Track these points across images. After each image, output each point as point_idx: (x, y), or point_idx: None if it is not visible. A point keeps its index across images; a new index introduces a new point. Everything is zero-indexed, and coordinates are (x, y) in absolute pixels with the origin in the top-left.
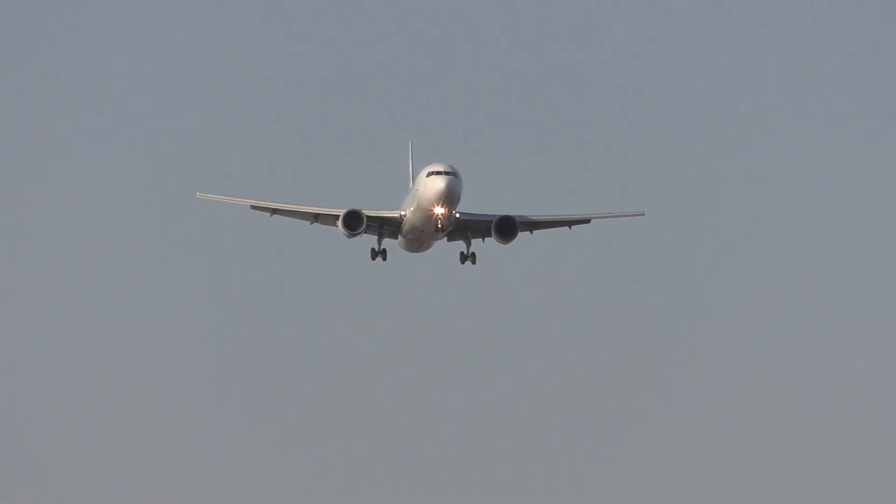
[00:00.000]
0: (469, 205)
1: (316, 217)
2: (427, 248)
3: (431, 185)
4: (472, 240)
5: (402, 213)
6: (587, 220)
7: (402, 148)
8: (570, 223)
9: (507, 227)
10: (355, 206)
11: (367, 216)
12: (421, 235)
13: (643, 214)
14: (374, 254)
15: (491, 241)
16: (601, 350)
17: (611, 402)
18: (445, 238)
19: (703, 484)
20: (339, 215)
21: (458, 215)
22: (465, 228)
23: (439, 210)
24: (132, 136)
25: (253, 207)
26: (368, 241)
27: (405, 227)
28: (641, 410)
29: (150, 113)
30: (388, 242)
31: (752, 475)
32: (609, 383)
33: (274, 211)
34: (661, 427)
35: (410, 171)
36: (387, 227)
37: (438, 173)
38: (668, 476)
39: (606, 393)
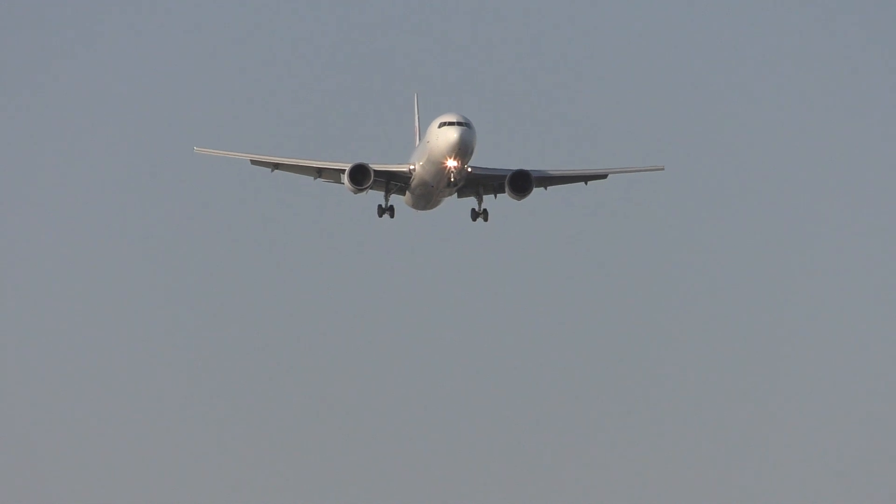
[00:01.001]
0: (480, 159)
1: (319, 172)
2: (435, 205)
3: (444, 137)
4: (484, 196)
5: (411, 166)
6: (604, 176)
7: (408, 101)
8: (586, 178)
9: (521, 182)
10: (361, 160)
11: (375, 170)
12: (430, 191)
13: (662, 169)
14: (381, 210)
15: (503, 198)
16: (618, 313)
17: (628, 370)
18: (456, 194)
19: (717, 461)
20: (344, 169)
21: (469, 169)
22: (476, 184)
23: (452, 163)
24: (129, 87)
25: (253, 162)
26: (374, 197)
27: (414, 182)
28: (659, 378)
29: (147, 65)
30: (394, 200)
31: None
32: (626, 348)
33: (275, 166)
34: (677, 396)
35: (416, 124)
36: (394, 182)
37: (451, 124)
38: (685, 455)
39: (624, 359)
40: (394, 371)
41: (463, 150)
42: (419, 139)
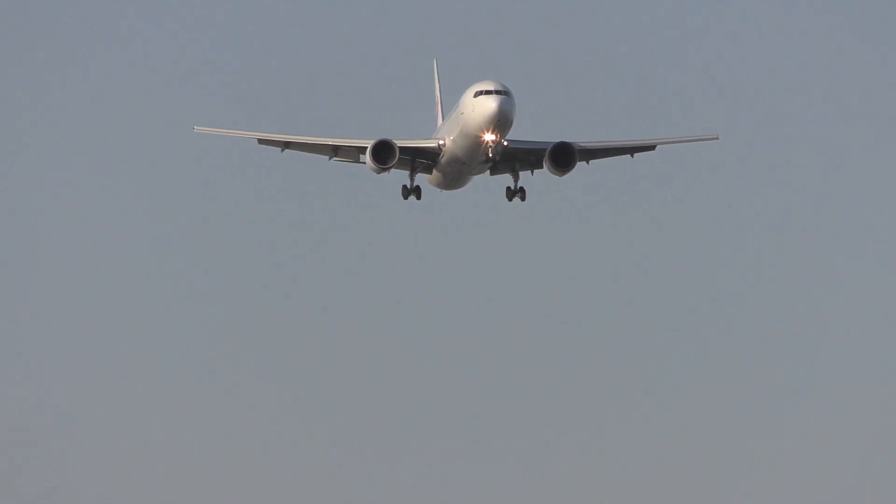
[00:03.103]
0: (513, 132)
1: (336, 150)
2: (463, 184)
3: (480, 107)
4: (521, 172)
5: (441, 142)
6: (652, 147)
7: (427, 69)
8: (632, 150)
9: (564, 156)
10: (383, 136)
11: (400, 147)
12: (462, 169)
13: (717, 139)
14: (407, 191)
15: (540, 174)
16: (670, 302)
17: (683, 363)
18: (488, 171)
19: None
20: (365, 147)
21: (506, 143)
22: (512, 159)
23: (489, 136)
24: (131, 62)
25: (261, 142)
26: (397, 177)
27: (443, 160)
28: (714, 360)
29: (149, 37)
30: (419, 179)
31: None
32: (681, 332)
33: (286, 145)
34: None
35: (437, 94)
36: (420, 159)
37: (489, 92)
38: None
39: (678, 340)
40: (423, 368)
41: (502, 121)
42: (441, 111)
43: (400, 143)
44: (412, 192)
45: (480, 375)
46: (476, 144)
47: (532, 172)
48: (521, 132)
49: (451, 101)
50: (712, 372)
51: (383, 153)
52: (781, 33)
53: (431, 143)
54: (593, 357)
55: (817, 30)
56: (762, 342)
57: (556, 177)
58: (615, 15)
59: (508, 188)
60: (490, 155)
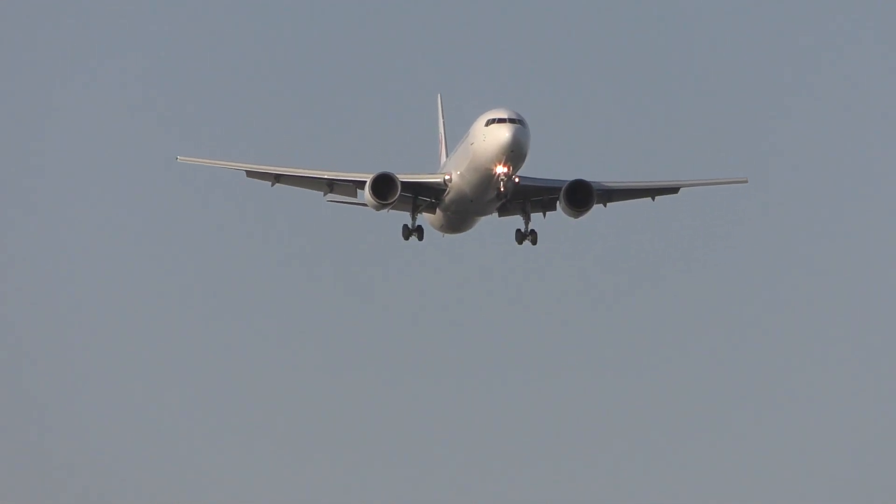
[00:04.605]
0: (523, 169)
1: (332, 186)
2: (468, 227)
3: (493, 137)
4: (532, 214)
5: (447, 176)
6: (676, 190)
7: (430, 103)
8: (654, 193)
9: (581, 195)
10: (384, 170)
11: (402, 182)
12: (468, 207)
13: (746, 182)
14: (408, 231)
15: (553, 217)
16: (695, 360)
17: (704, 411)
18: (496, 212)
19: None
20: (363, 181)
21: (517, 180)
22: (524, 198)
23: (501, 169)
24: (116, 82)
25: (249, 174)
26: (397, 217)
27: (449, 196)
28: (734, 420)
29: (135, 60)
30: (421, 220)
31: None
32: (703, 393)
33: (277, 178)
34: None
35: (441, 130)
36: (423, 197)
37: (502, 121)
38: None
39: (699, 400)
40: (429, 426)
41: (516, 152)
42: (445, 148)
43: (402, 177)
44: (414, 231)
45: (482, 434)
46: (487, 178)
47: (544, 214)
48: (533, 170)
49: (455, 137)
50: (730, 430)
51: (384, 188)
52: (816, 73)
53: (436, 178)
54: (606, 415)
55: (853, 70)
56: (787, 400)
57: (571, 218)
58: (637, 48)
59: (518, 231)
60: (502, 189)
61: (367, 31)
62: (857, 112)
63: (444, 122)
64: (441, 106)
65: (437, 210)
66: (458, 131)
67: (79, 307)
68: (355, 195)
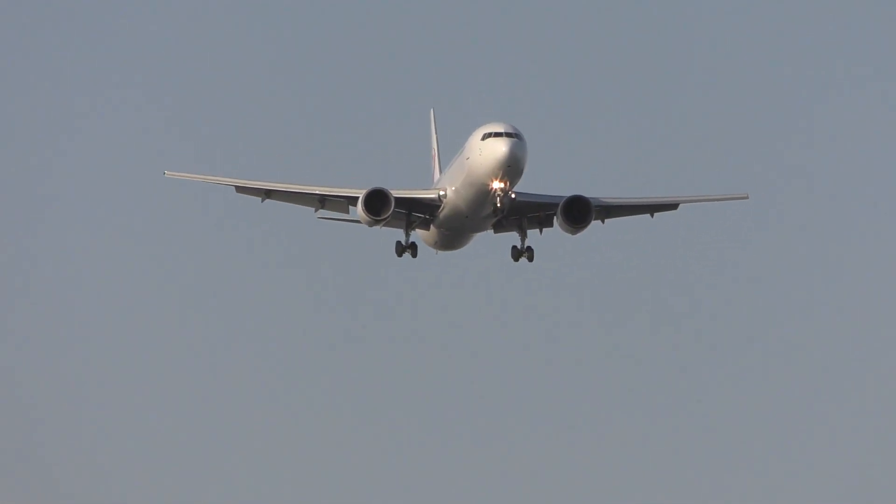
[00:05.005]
0: (519, 185)
1: (323, 201)
2: (462, 244)
3: (489, 151)
4: (528, 230)
5: (441, 192)
6: (675, 206)
7: (423, 117)
8: (653, 209)
9: (578, 211)
10: (377, 185)
11: (396, 198)
12: (463, 224)
13: (746, 198)
14: (401, 248)
15: (550, 233)
16: (697, 374)
17: (702, 428)
18: (492, 229)
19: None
20: (356, 197)
21: (514, 195)
22: (520, 214)
23: (497, 184)
24: (107, 96)
25: (239, 190)
26: (389, 234)
27: (444, 213)
28: (736, 437)
29: (125, 74)
30: (415, 237)
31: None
32: (706, 412)
33: (267, 194)
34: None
35: (434, 146)
36: (417, 213)
37: (498, 134)
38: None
39: (698, 421)
40: (418, 446)
41: (513, 167)
42: (438, 164)
43: (396, 192)
44: (407, 248)
45: (474, 454)
46: (482, 194)
47: (541, 231)
48: (530, 186)
49: (448, 152)
50: (729, 444)
51: (377, 203)
52: (819, 88)
53: (431, 194)
54: (604, 436)
55: (856, 85)
56: (787, 418)
57: (568, 234)
58: (636, 61)
59: (514, 247)
60: (499, 205)
61: (359, 45)
62: (861, 127)
63: (436, 137)
64: (434, 120)
65: (432, 226)
66: (451, 146)
67: (65, 325)
68: (347, 211)
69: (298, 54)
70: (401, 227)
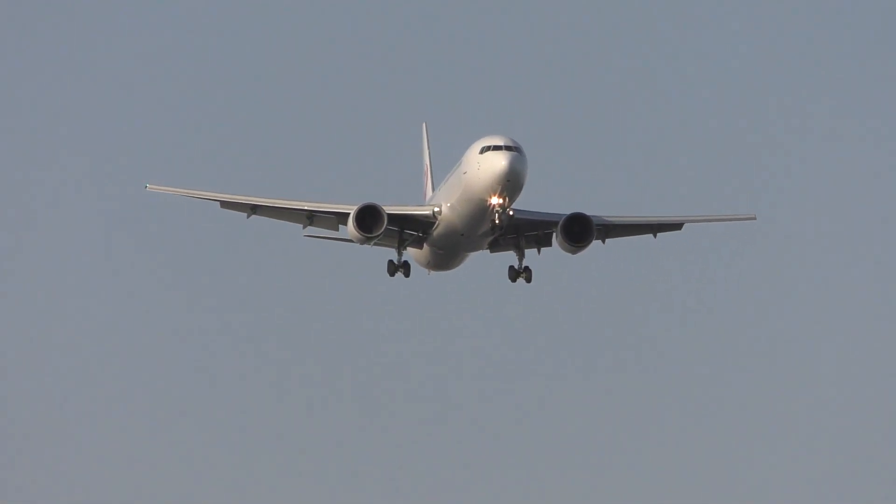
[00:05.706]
0: (517, 203)
1: (312, 218)
2: (456, 264)
3: (487, 165)
4: (526, 249)
5: (436, 209)
6: (679, 226)
7: (415, 132)
8: (656, 229)
9: (579, 229)
10: (369, 201)
11: (389, 214)
12: (458, 242)
13: (754, 219)
14: (394, 267)
15: (549, 253)
16: (700, 399)
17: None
18: (488, 248)
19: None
20: (346, 213)
21: (511, 213)
22: (518, 232)
23: (496, 200)
24: (89, 108)
25: (224, 205)
26: (381, 252)
27: (438, 230)
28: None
29: (105, 86)
30: (407, 255)
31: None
32: (709, 436)
33: (253, 209)
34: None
35: (426, 160)
36: (409, 231)
37: (497, 148)
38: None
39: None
40: (410, 468)
41: (513, 182)
42: (430, 180)
43: (388, 209)
44: (400, 267)
45: (467, 475)
46: (480, 210)
47: (539, 250)
48: (528, 203)
49: (441, 167)
50: (732, 466)
51: (369, 220)
52: (827, 110)
53: (425, 211)
54: (602, 459)
55: (864, 107)
56: (794, 444)
57: (568, 254)
58: (639, 76)
59: (512, 267)
60: (497, 222)
61: (349, 57)
62: (869, 149)
63: (429, 152)
64: (427, 135)
65: (425, 245)
66: (445, 161)
67: (42, 339)
68: (336, 229)
69: (287, 67)
70: (392, 246)
